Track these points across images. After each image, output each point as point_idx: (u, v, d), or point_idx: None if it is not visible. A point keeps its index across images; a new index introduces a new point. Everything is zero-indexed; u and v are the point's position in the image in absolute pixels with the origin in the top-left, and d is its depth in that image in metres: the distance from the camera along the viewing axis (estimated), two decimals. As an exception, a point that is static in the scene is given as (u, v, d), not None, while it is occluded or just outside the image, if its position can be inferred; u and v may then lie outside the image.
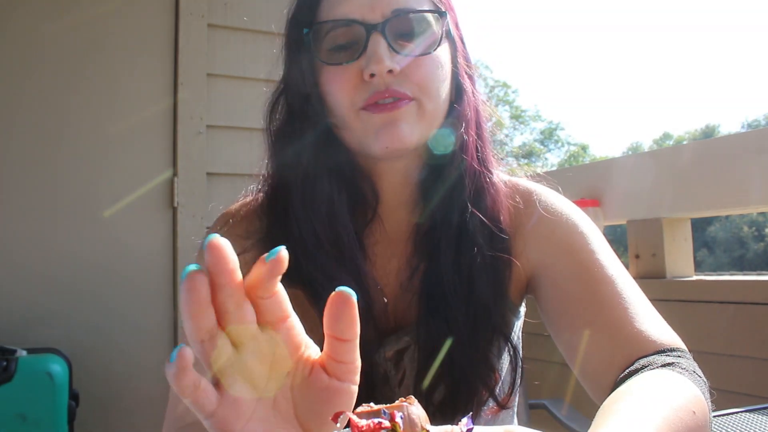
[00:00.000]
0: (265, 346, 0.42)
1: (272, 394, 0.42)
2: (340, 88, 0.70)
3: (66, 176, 2.06)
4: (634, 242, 1.95)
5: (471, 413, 0.43)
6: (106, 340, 2.03)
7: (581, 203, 2.00)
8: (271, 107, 0.79)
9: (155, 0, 2.22)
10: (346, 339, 0.42)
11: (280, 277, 0.41)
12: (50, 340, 1.90)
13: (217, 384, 0.41)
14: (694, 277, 1.84)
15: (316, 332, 0.72)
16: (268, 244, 0.75)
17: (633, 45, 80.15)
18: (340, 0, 0.70)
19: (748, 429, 0.71)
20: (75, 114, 2.08)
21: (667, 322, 0.69)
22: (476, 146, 0.76)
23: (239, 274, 0.40)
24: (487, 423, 0.76)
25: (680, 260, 1.88)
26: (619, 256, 0.78)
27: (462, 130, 0.75)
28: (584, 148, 38.20)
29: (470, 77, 0.78)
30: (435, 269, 0.74)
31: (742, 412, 0.79)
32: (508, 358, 0.78)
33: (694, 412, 0.52)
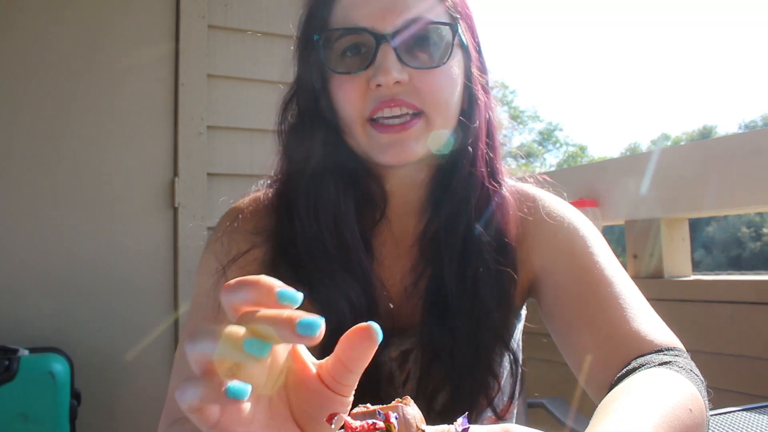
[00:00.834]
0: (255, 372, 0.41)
1: (271, 393, 0.42)
2: (349, 97, 0.70)
3: (67, 176, 2.06)
4: (632, 242, 1.95)
5: (467, 413, 0.43)
6: (107, 340, 2.03)
7: (580, 203, 2.01)
8: (284, 107, 0.79)
9: (155, 1, 2.22)
10: (352, 370, 0.42)
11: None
12: (52, 340, 1.90)
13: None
14: (692, 277, 1.84)
15: None
16: (276, 242, 0.76)
17: (631, 46, 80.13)
18: (352, 7, 0.70)
19: (745, 428, 0.72)
20: (76, 114, 2.08)
21: (665, 322, 0.70)
22: (486, 158, 0.76)
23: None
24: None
25: (678, 260, 1.88)
26: (617, 256, 0.79)
27: (471, 140, 0.75)
28: (582, 148, 38.22)
29: (483, 87, 0.77)
30: (439, 276, 0.75)
31: (739, 411, 0.79)
32: (508, 366, 0.79)
33: (690, 410, 0.53)
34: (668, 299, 1.74)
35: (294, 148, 0.77)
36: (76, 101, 2.08)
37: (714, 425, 0.73)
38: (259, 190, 0.84)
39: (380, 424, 0.37)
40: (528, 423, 1.39)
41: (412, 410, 0.39)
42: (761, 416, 0.77)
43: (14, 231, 1.98)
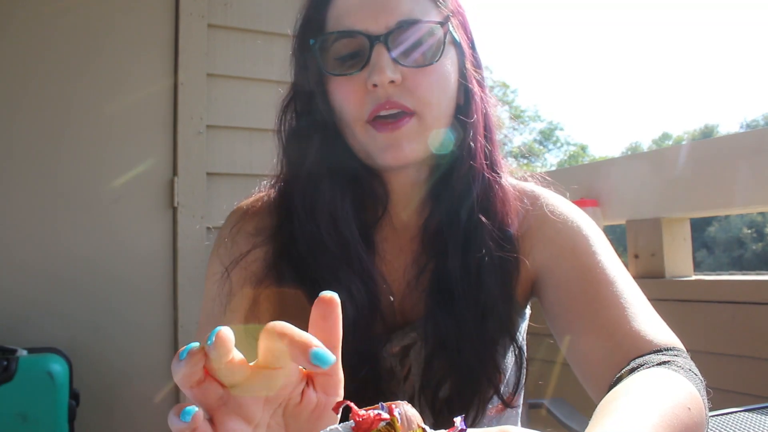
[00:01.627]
0: (260, 385, 0.41)
1: (265, 423, 0.42)
2: (347, 99, 0.72)
3: (66, 176, 2.06)
4: (634, 242, 1.95)
5: (464, 415, 0.43)
6: (106, 340, 2.03)
7: (581, 203, 2.00)
8: (283, 109, 0.80)
9: (155, 0, 2.22)
10: (329, 346, 0.41)
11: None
12: (51, 340, 1.90)
13: (210, 420, 0.41)
14: (693, 277, 1.84)
15: None
16: (277, 242, 0.78)
17: (632, 45, 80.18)
18: (346, 11, 0.72)
19: (746, 428, 0.71)
20: (75, 114, 2.08)
21: (666, 322, 0.70)
22: (485, 150, 0.77)
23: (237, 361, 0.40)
24: (491, 421, 0.77)
25: (679, 260, 1.88)
26: (619, 256, 0.78)
27: (470, 135, 0.76)
28: (583, 148, 38.23)
29: (479, 82, 0.78)
30: (443, 268, 0.76)
31: (740, 411, 0.79)
32: (513, 357, 0.79)
33: (689, 409, 0.53)
34: (669, 299, 1.74)
35: (293, 150, 0.78)
36: (75, 101, 2.08)
37: (716, 426, 0.73)
38: (262, 191, 0.85)
39: (385, 415, 0.37)
40: (528, 423, 1.39)
41: (411, 410, 0.40)
42: (763, 417, 0.76)
43: (13, 230, 1.98)
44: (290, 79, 0.81)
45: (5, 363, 1.67)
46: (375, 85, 0.69)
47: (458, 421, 0.40)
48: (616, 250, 0.80)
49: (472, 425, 0.72)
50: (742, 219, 25.79)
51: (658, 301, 0.74)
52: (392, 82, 0.69)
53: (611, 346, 0.66)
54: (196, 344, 0.38)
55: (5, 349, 1.74)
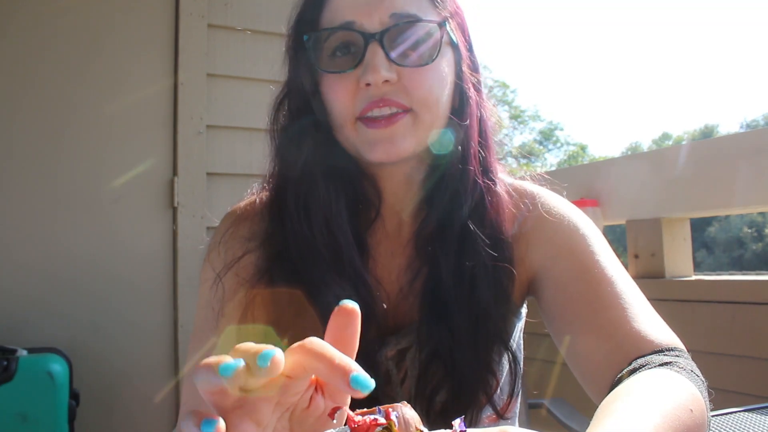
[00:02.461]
0: (275, 389, 0.42)
1: (271, 427, 0.43)
2: (339, 96, 0.70)
3: (66, 176, 2.06)
4: (634, 242, 1.95)
5: (464, 416, 0.43)
6: (106, 340, 2.03)
7: (580, 203, 2.00)
8: (275, 108, 0.79)
9: (155, 0, 2.22)
10: (346, 352, 0.42)
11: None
12: (51, 340, 1.90)
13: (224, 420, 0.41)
14: (693, 277, 1.84)
15: (313, 331, 0.73)
16: (269, 247, 0.76)
17: (632, 45, 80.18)
18: (341, 8, 0.70)
19: (747, 428, 0.71)
20: (75, 114, 2.08)
21: (666, 322, 0.70)
22: (479, 155, 0.76)
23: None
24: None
25: (679, 260, 1.88)
26: (619, 256, 0.78)
27: (463, 138, 0.74)
28: (583, 148, 38.19)
29: (475, 86, 0.77)
30: (436, 274, 0.75)
31: (741, 411, 0.79)
32: (508, 365, 0.79)
33: (691, 410, 0.53)
34: (669, 299, 1.74)
35: (286, 149, 0.77)
36: (75, 101, 2.08)
37: (716, 426, 0.73)
38: (255, 193, 0.84)
39: (381, 420, 0.37)
40: (528, 423, 1.39)
41: (410, 412, 0.40)
42: (763, 417, 0.76)
43: (13, 230, 1.98)
44: (283, 78, 0.80)
45: (5, 363, 1.67)
46: (368, 84, 0.68)
47: (457, 423, 0.40)
48: (616, 250, 0.79)
49: (474, 424, 0.72)
50: (742, 219, 25.77)
51: (658, 301, 0.74)
52: (386, 81, 0.68)
53: (611, 347, 0.66)
54: (241, 363, 0.37)
55: (5, 349, 1.74)
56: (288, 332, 0.71)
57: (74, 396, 1.79)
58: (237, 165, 2.28)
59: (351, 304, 0.42)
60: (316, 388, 0.43)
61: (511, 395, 0.78)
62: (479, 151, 0.76)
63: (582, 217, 0.80)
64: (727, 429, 0.71)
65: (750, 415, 0.77)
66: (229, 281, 0.76)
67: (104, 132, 2.11)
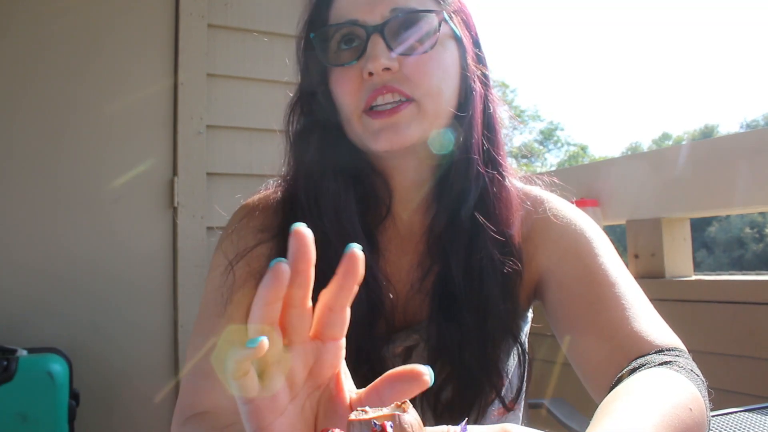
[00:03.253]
0: (311, 353, 0.44)
1: (302, 400, 0.45)
2: (345, 89, 0.73)
3: (66, 175, 2.06)
4: (634, 242, 1.95)
5: (467, 417, 0.44)
6: (106, 340, 2.03)
7: (581, 203, 2.00)
8: (290, 110, 0.81)
9: (155, 0, 2.22)
10: (386, 405, 0.43)
11: (354, 289, 0.44)
12: (50, 340, 1.90)
13: (260, 375, 0.43)
14: (693, 277, 1.84)
15: None
16: (281, 240, 0.78)
17: (632, 45, 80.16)
18: (344, 6, 0.73)
19: (747, 428, 0.71)
20: (75, 114, 2.08)
21: (666, 322, 0.70)
22: (485, 149, 0.77)
23: (313, 269, 0.43)
24: (493, 424, 0.77)
25: (679, 260, 1.88)
26: (619, 256, 0.79)
27: (468, 131, 0.75)
28: (583, 148, 38.22)
29: (481, 80, 0.78)
30: (446, 271, 0.76)
31: (741, 411, 0.79)
32: (516, 361, 0.79)
33: (690, 409, 0.53)
34: (669, 299, 1.74)
35: (300, 149, 0.79)
36: (75, 101, 2.08)
37: (716, 426, 0.73)
38: (269, 188, 0.86)
39: None
40: (529, 424, 1.39)
41: (409, 417, 0.39)
42: (763, 417, 0.76)
43: (13, 230, 1.98)
44: (292, 78, 0.82)
45: (5, 363, 1.67)
46: (371, 74, 0.70)
47: (460, 427, 0.40)
48: (616, 250, 0.80)
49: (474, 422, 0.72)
50: (742, 219, 25.77)
51: (658, 301, 0.74)
52: (388, 69, 0.70)
53: (613, 347, 0.66)
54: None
55: (5, 349, 1.74)
56: None
57: (74, 396, 1.79)
58: (237, 165, 2.28)
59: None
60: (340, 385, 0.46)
61: (520, 390, 0.79)
62: (483, 142, 0.77)
63: (588, 221, 0.81)
64: (727, 429, 0.71)
65: (750, 415, 0.78)
66: (240, 270, 0.78)
67: (104, 132, 2.11)
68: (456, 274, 0.75)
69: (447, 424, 0.40)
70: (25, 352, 1.75)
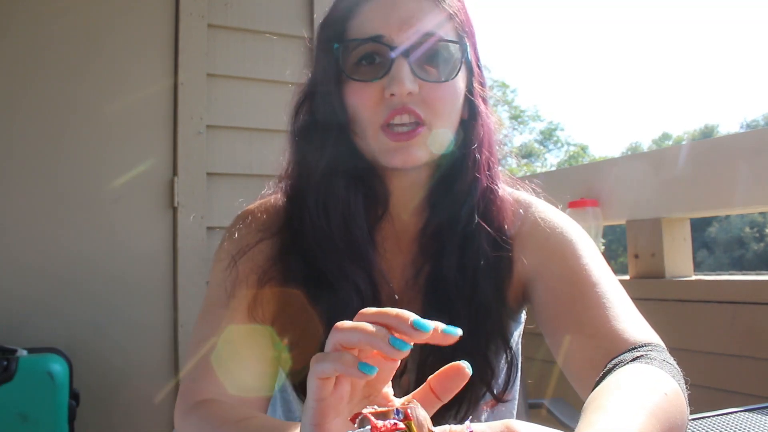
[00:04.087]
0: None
1: (355, 404, 0.49)
2: (364, 104, 0.75)
3: (66, 176, 2.06)
4: (634, 242, 1.95)
5: (471, 417, 0.45)
6: (106, 340, 2.03)
7: (581, 203, 2.00)
8: (296, 108, 0.83)
9: (155, 0, 2.22)
10: (442, 400, 0.50)
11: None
12: (50, 340, 1.90)
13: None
14: (694, 277, 1.84)
15: (311, 330, 0.75)
16: (285, 238, 0.80)
17: (632, 45, 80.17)
18: (371, 19, 0.75)
19: (747, 428, 0.72)
20: (75, 114, 2.08)
21: (666, 322, 0.71)
22: (488, 163, 0.82)
23: None
24: (483, 415, 0.80)
25: (679, 260, 1.88)
26: (619, 256, 0.79)
27: (474, 148, 0.80)
28: (584, 148, 38.20)
29: (484, 99, 0.83)
30: (439, 270, 0.79)
31: (741, 411, 0.79)
32: (504, 355, 0.82)
33: (665, 394, 0.55)
34: (669, 299, 1.74)
35: (305, 149, 0.81)
36: (75, 101, 2.08)
37: (716, 426, 0.73)
38: (269, 194, 0.88)
39: (401, 425, 0.39)
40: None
41: (422, 412, 0.41)
42: (763, 417, 0.76)
43: (13, 230, 1.98)
44: (300, 80, 0.84)
45: (5, 363, 1.67)
46: (393, 95, 0.73)
47: (466, 425, 0.40)
48: (617, 250, 0.81)
49: (463, 420, 0.73)
50: (742, 219, 25.78)
51: (658, 301, 0.75)
52: (409, 93, 0.73)
53: (593, 346, 0.68)
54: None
55: (5, 349, 1.74)
56: (294, 326, 0.75)
57: (74, 396, 1.79)
58: (237, 165, 2.28)
59: (465, 366, 0.49)
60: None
61: (508, 384, 0.82)
62: (481, 154, 0.81)
63: (573, 225, 0.84)
64: (727, 429, 0.72)
65: (750, 415, 0.78)
66: (243, 266, 0.80)
67: (104, 132, 2.11)
68: (449, 273, 0.78)
69: (441, 419, 0.42)
70: (25, 352, 1.75)
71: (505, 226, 0.81)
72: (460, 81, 0.78)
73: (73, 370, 1.81)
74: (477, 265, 0.78)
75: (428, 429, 0.40)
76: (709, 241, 26.82)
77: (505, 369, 0.82)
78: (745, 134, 2.28)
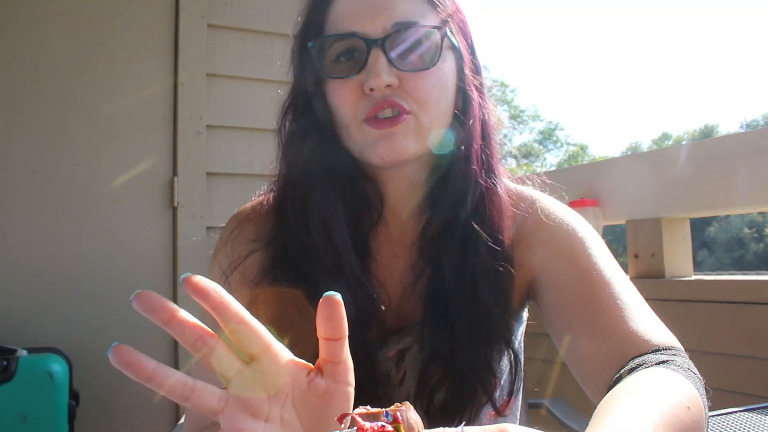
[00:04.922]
0: (255, 383, 0.47)
1: (277, 419, 0.47)
2: (343, 101, 0.72)
3: (66, 176, 2.06)
4: (634, 242, 1.95)
5: (465, 422, 0.45)
6: (106, 340, 2.01)
7: (581, 203, 2.00)
8: (283, 111, 0.81)
9: (155, 0, 2.22)
10: (335, 338, 0.46)
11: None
12: (50, 340, 1.90)
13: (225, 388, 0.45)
14: (693, 277, 1.84)
15: (304, 344, 0.74)
16: (273, 247, 0.78)
17: (632, 45, 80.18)
18: (344, 14, 0.72)
19: (747, 428, 0.71)
20: (75, 114, 2.08)
21: (666, 322, 0.70)
22: (482, 156, 0.77)
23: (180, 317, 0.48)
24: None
25: (679, 260, 1.88)
26: (619, 256, 0.79)
27: (466, 140, 0.76)
28: (583, 148, 38.19)
29: (477, 88, 0.78)
30: (439, 274, 0.76)
31: (741, 411, 0.79)
32: (508, 364, 0.79)
33: (689, 408, 0.53)
34: (669, 299, 1.74)
35: (291, 153, 0.78)
36: (75, 101, 2.08)
37: (716, 426, 0.73)
38: (261, 194, 0.86)
39: (389, 428, 0.38)
40: (529, 423, 1.39)
41: (413, 415, 0.40)
42: (763, 417, 0.76)
43: (13, 230, 1.98)
44: (289, 80, 0.81)
45: (5, 363, 1.67)
46: (372, 89, 0.69)
47: (457, 428, 0.40)
48: (616, 250, 0.80)
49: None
50: (742, 219, 25.77)
51: (658, 301, 0.74)
52: (389, 86, 0.69)
53: (609, 347, 0.66)
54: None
55: (5, 349, 1.74)
56: (290, 331, 0.72)
57: (74, 396, 1.79)
58: (237, 165, 2.28)
59: (332, 294, 0.45)
60: (316, 372, 0.48)
61: (511, 393, 0.79)
62: (482, 152, 0.77)
63: (580, 220, 0.81)
64: (727, 429, 0.71)
65: (750, 415, 0.77)
66: (235, 279, 0.78)
67: (104, 132, 2.11)
68: (448, 277, 0.75)
69: (442, 426, 0.41)
70: (25, 352, 1.75)
71: (505, 225, 0.77)
72: (446, 68, 0.73)
73: (72, 370, 1.81)
74: (476, 268, 0.75)
75: (418, 431, 0.39)
76: (709, 241, 26.81)
77: (508, 378, 0.79)
78: (745, 134, 2.28)
